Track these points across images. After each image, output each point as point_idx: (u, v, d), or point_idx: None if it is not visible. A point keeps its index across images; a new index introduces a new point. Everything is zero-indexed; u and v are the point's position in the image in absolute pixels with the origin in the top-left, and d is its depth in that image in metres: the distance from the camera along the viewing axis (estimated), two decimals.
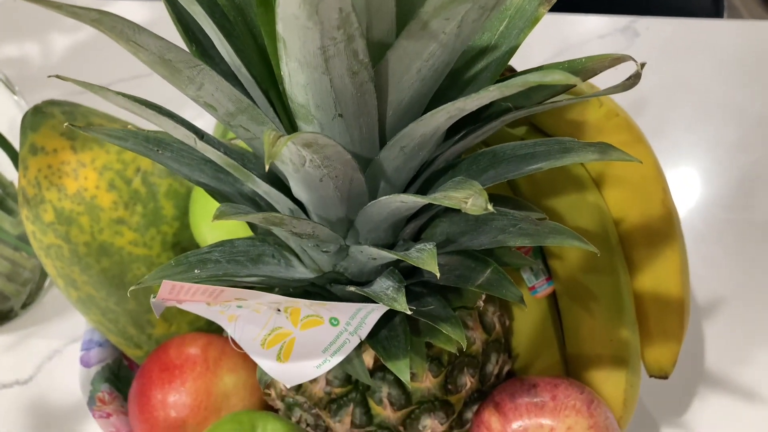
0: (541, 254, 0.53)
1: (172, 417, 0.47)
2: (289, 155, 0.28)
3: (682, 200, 0.74)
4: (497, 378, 0.48)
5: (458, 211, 0.39)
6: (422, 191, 0.38)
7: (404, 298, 0.32)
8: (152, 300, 0.36)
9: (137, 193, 0.49)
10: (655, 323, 0.51)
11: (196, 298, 0.33)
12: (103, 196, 0.48)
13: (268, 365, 0.38)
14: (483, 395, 0.47)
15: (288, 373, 0.37)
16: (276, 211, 0.36)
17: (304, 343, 0.37)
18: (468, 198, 0.27)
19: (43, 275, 0.69)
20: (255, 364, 0.51)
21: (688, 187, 0.76)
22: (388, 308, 0.35)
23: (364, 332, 0.37)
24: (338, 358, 0.37)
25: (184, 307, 0.38)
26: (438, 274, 0.28)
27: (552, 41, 0.91)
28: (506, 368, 0.50)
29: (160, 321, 0.52)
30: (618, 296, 0.50)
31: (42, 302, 0.68)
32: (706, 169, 0.78)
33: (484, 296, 0.43)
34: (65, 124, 0.37)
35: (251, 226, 0.41)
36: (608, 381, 0.49)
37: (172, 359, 0.49)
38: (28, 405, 0.62)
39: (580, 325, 0.50)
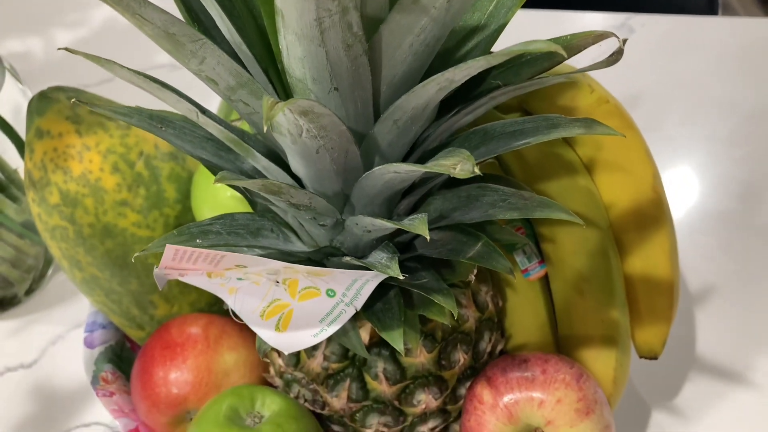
0: (534, 238, 0.54)
1: (173, 393, 0.49)
2: (286, 124, 0.29)
3: (676, 192, 0.76)
4: (490, 356, 0.50)
5: (450, 187, 0.40)
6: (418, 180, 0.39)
7: (397, 266, 0.33)
8: (155, 271, 0.38)
9: (140, 176, 0.50)
10: (645, 304, 0.52)
11: (198, 266, 0.34)
12: (107, 178, 0.49)
13: (267, 335, 0.39)
14: (476, 372, 0.48)
15: (286, 341, 0.39)
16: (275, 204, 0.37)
17: (301, 314, 0.39)
18: (456, 164, 0.28)
19: (47, 263, 0.70)
20: (255, 343, 0.52)
21: (682, 179, 0.77)
22: (383, 279, 0.36)
23: (360, 303, 0.38)
24: (334, 328, 0.38)
25: (186, 279, 0.40)
26: (428, 237, 0.29)
27: (548, 38, 0.92)
28: (499, 347, 0.51)
29: (162, 302, 0.53)
30: (609, 278, 0.51)
31: (45, 289, 0.70)
32: (699, 163, 0.79)
33: (475, 271, 0.44)
34: (72, 100, 0.38)
35: (251, 204, 0.43)
36: (599, 360, 0.50)
37: (174, 338, 0.50)
38: (33, 388, 0.63)
39: (571, 306, 0.52)
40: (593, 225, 0.51)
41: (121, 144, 0.50)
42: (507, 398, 0.44)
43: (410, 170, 0.30)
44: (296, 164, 0.34)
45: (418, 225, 0.30)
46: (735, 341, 0.64)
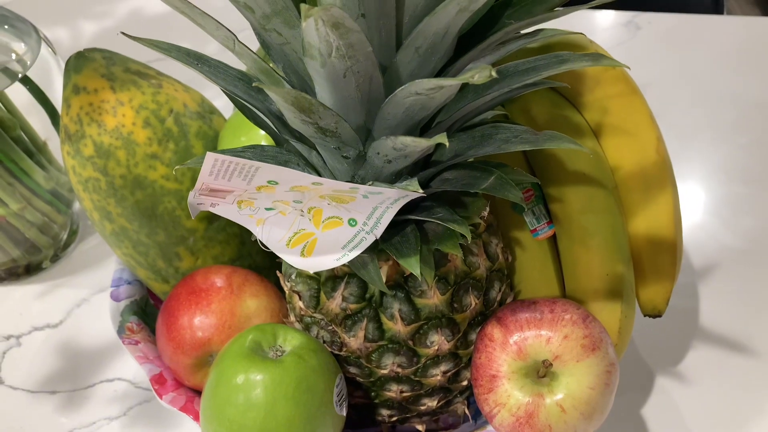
0: (543, 200, 0.56)
1: (198, 336, 0.51)
2: (317, 42, 0.32)
3: (683, 175, 0.78)
4: (500, 305, 0.52)
5: (465, 130, 0.43)
6: (436, 116, 0.42)
7: (417, 184, 0.35)
8: (189, 199, 0.40)
9: (170, 131, 0.53)
10: (649, 263, 0.55)
11: (232, 183, 0.36)
12: (139, 132, 0.52)
13: (292, 259, 0.42)
14: (486, 320, 0.51)
15: (310, 263, 0.41)
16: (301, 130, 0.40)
17: (324, 242, 0.41)
18: (474, 74, 0.31)
19: (72, 233, 0.73)
20: (276, 291, 0.55)
21: (689, 163, 0.80)
22: (402, 204, 0.39)
23: (379, 231, 0.40)
24: (355, 253, 0.40)
25: (217, 210, 0.42)
26: (447, 143, 0.32)
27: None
28: (508, 299, 0.53)
29: (187, 254, 0.56)
30: (614, 234, 0.53)
31: (70, 257, 0.72)
32: (704, 148, 0.82)
33: (487, 210, 0.47)
34: (119, 32, 0.41)
35: (278, 145, 0.45)
36: (604, 311, 0.53)
37: (199, 284, 0.53)
38: (58, 346, 0.65)
39: (577, 261, 0.54)
40: (599, 185, 0.54)
41: (153, 101, 0.53)
42: (516, 336, 0.46)
43: (431, 87, 0.33)
44: (323, 93, 0.37)
45: (438, 137, 0.33)
46: (736, 313, 0.66)
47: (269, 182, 0.36)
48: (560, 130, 0.55)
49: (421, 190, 0.35)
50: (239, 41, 0.35)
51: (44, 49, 0.65)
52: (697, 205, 0.76)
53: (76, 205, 0.74)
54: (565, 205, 0.55)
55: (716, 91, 0.89)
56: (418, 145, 0.34)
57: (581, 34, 0.42)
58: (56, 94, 0.65)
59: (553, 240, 0.57)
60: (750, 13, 1.62)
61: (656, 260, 0.55)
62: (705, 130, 0.84)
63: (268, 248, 0.42)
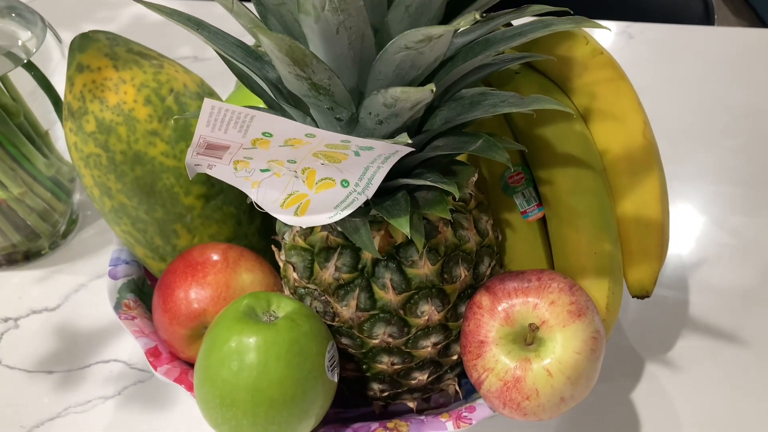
0: (533, 182, 0.58)
1: (193, 307, 0.52)
2: None
3: (674, 176, 0.80)
4: None
5: (456, 100, 0.44)
6: (426, 80, 0.44)
7: (406, 136, 0.37)
8: (187, 159, 0.42)
9: (170, 109, 0.55)
10: (637, 244, 0.56)
11: (229, 135, 0.38)
12: (140, 109, 0.54)
13: (286, 218, 0.43)
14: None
15: (303, 221, 0.42)
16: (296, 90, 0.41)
17: (318, 203, 0.43)
18: (460, 21, 0.32)
19: (72, 222, 0.74)
20: (271, 268, 0.56)
21: (680, 165, 0.81)
22: (393, 161, 0.40)
23: (371, 192, 0.42)
24: (347, 212, 0.42)
25: (213, 172, 0.44)
26: (434, 89, 0.33)
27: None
28: None
29: (184, 231, 0.57)
30: (602, 214, 0.55)
31: (69, 245, 0.74)
32: (695, 151, 0.83)
33: (476, 176, 0.48)
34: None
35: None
36: (592, 288, 0.54)
37: (195, 258, 0.54)
38: (56, 328, 0.66)
39: (566, 240, 0.55)
40: (588, 167, 0.55)
41: (154, 80, 0.55)
42: (505, 303, 0.47)
43: (420, 39, 0.35)
44: (317, 52, 0.38)
45: (428, 86, 0.34)
46: (724, 303, 0.67)
47: (264, 134, 0.38)
48: (550, 114, 0.57)
49: (410, 140, 0.36)
50: (238, 1, 0.37)
51: (50, 37, 0.66)
52: (687, 203, 0.77)
53: (77, 196, 0.75)
54: (554, 187, 0.56)
55: (706, 97, 0.91)
56: (408, 96, 0.36)
57: (567, 9, 0.44)
58: (61, 83, 0.67)
59: (543, 222, 0.58)
60: (738, 26, 1.65)
61: (644, 241, 0.56)
62: (695, 134, 0.86)
63: (263, 209, 0.43)
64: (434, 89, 0.33)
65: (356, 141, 0.37)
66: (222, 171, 0.43)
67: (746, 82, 0.93)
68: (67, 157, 0.72)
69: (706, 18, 1.06)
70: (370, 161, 0.40)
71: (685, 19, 1.07)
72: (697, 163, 0.82)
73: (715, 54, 0.98)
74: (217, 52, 0.42)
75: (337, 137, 0.37)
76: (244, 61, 0.43)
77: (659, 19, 1.03)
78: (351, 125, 0.42)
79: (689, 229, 0.75)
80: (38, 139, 0.68)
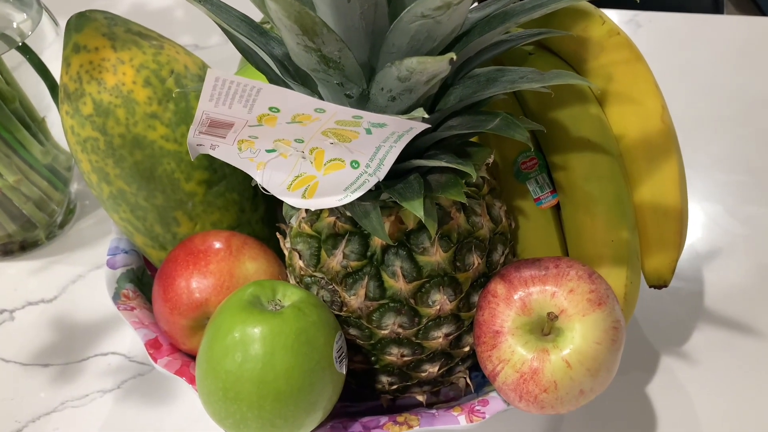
0: (546, 168, 0.56)
1: (195, 296, 0.50)
2: None
3: (687, 164, 0.78)
4: None
5: (471, 77, 0.42)
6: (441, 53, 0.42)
7: (422, 110, 0.35)
8: (189, 138, 0.40)
9: (170, 91, 0.53)
10: (655, 232, 0.54)
11: (233, 110, 0.36)
12: (139, 91, 0.52)
13: (294, 201, 0.41)
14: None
15: (311, 204, 0.40)
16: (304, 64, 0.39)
17: (326, 185, 0.40)
18: None
19: (69, 211, 0.72)
20: (275, 257, 0.54)
21: (693, 153, 0.79)
22: (407, 140, 0.38)
23: (382, 173, 0.40)
24: (357, 194, 0.40)
25: (216, 153, 0.42)
26: (455, 57, 0.31)
27: None
28: None
29: (185, 219, 0.55)
30: (619, 201, 0.53)
31: (66, 235, 0.72)
32: (707, 139, 0.82)
33: (492, 158, 0.46)
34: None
35: None
36: (609, 277, 0.52)
37: (197, 246, 0.52)
38: (53, 320, 0.64)
39: (582, 228, 0.53)
40: (603, 151, 0.53)
41: (154, 61, 0.52)
42: (521, 291, 0.45)
43: (438, 6, 0.32)
44: (326, 21, 0.36)
45: (447, 55, 0.32)
46: (739, 294, 0.66)
47: (271, 109, 0.36)
48: (564, 96, 0.55)
49: (426, 114, 0.34)
50: None
51: (46, 20, 0.64)
52: (701, 192, 0.75)
53: (74, 185, 0.73)
54: (568, 172, 0.54)
55: (717, 86, 0.89)
56: (425, 67, 0.34)
57: None
58: (57, 68, 0.65)
59: (557, 209, 0.56)
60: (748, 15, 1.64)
61: (662, 229, 0.54)
62: (707, 122, 0.84)
63: (268, 192, 0.41)
64: (455, 57, 0.31)
65: (368, 116, 0.35)
66: (225, 152, 0.41)
67: (757, 70, 0.91)
68: (64, 145, 0.70)
69: (715, 10, 1.04)
70: (382, 140, 0.38)
71: (694, 9, 1.05)
72: (709, 151, 0.80)
73: (725, 43, 0.96)
74: (220, 27, 0.40)
75: (348, 112, 0.35)
76: (249, 36, 0.41)
77: (668, 10, 1.01)
78: (361, 102, 0.40)
79: (702, 219, 0.73)
80: (34, 125, 0.66)
